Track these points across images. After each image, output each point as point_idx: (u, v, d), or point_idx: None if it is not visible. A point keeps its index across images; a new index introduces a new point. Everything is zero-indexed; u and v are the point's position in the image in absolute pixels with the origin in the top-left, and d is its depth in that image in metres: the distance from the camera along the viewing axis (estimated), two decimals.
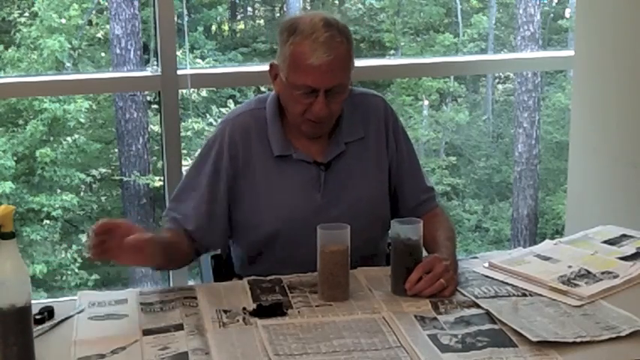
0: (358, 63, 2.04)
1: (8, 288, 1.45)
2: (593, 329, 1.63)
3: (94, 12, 8.02)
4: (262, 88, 7.58)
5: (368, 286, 1.87)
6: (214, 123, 8.08)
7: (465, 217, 8.79)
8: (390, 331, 1.64)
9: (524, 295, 1.81)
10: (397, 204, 2.13)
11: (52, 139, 7.54)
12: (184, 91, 3.23)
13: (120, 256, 1.75)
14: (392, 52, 8.98)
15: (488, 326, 1.66)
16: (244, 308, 1.74)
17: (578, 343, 1.58)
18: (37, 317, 1.67)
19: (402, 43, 9.09)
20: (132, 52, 7.30)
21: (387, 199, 2.11)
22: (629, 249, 2.07)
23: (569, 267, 1.93)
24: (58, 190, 7.53)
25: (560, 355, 1.54)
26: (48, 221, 7.41)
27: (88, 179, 7.98)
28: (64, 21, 7.43)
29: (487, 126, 9.80)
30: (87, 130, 7.93)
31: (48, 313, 1.72)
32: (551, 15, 9.74)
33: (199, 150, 2.10)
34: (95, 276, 7.40)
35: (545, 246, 2.11)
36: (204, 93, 8.07)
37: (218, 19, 9.05)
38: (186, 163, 7.52)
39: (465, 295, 1.81)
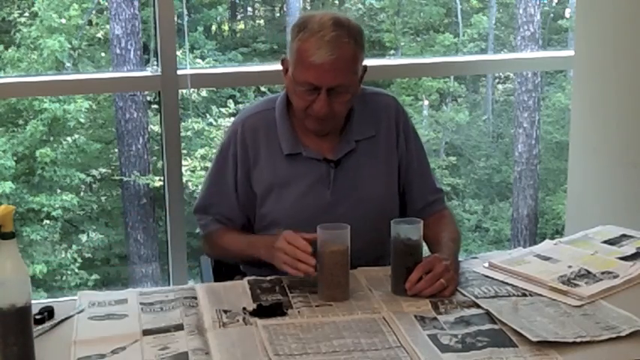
0: None
1: (8, 288, 1.45)
2: (593, 329, 1.63)
3: (94, 12, 8.01)
4: (262, 88, 7.61)
5: (368, 286, 1.87)
6: (214, 123, 8.07)
7: (465, 217, 8.78)
8: (390, 331, 1.64)
9: (524, 295, 1.81)
10: (405, 204, 2.15)
11: (52, 139, 7.53)
12: (184, 91, 3.23)
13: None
14: (392, 52, 8.97)
15: (488, 326, 1.66)
16: (244, 308, 1.74)
17: (578, 343, 1.58)
18: (37, 317, 1.68)
19: (402, 43, 9.09)
20: (132, 52, 7.29)
21: (396, 198, 2.12)
22: (629, 249, 2.08)
23: (569, 267, 1.93)
24: (58, 190, 7.52)
25: (560, 355, 1.54)
26: (48, 221, 7.40)
27: (88, 179, 7.97)
28: (64, 21, 7.42)
29: (487, 126, 9.80)
30: (87, 130, 7.92)
31: (48, 313, 1.72)
32: (551, 15, 9.73)
33: (215, 155, 2.14)
34: (95, 276, 7.39)
35: (545, 246, 2.11)
36: (204, 93, 8.06)
37: (218, 19, 9.04)
38: (186, 163, 7.53)
39: (465, 295, 1.81)
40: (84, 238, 7.63)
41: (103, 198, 8.15)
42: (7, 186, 6.86)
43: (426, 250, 2.02)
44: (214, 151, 8.21)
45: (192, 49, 7.94)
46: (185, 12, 7.49)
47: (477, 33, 9.24)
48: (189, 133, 7.64)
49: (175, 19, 3.16)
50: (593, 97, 3.10)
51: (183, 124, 7.08)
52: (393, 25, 8.99)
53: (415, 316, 1.71)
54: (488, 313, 1.71)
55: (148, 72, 3.11)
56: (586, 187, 3.17)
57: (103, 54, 8.02)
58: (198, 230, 2.21)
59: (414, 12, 9.24)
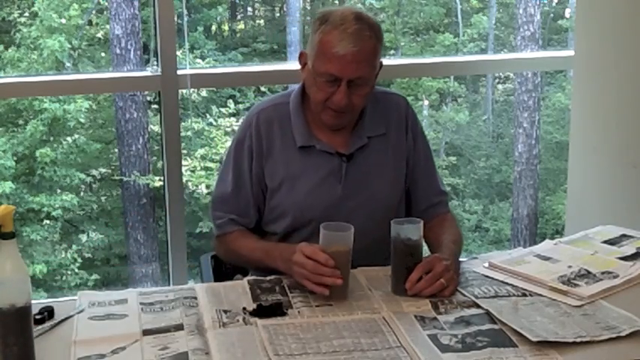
0: None
1: (8, 288, 1.45)
2: (593, 329, 1.63)
3: (94, 12, 8.01)
4: (262, 88, 7.61)
5: (368, 286, 1.87)
6: (214, 123, 8.07)
7: (465, 217, 8.78)
8: (390, 331, 1.64)
9: (524, 295, 1.81)
10: (409, 204, 2.16)
11: (52, 139, 7.53)
12: (184, 91, 3.22)
13: None
14: (392, 52, 8.97)
15: (488, 326, 1.66)
16: (244, 308, 1.74)
17: (578, 343, 1.58)
18: (37, 317, 1.67)
19: (402, 43, 9.09)
20: (132, 52, 7.30)
21: (402, 197, 2.15)
22: (629, 249, 2.08)
23: (569, 267, 1.93)
24: (58, 190, 7.52)
25: (560, 355, 1.54)
26: (48, 221, 7.40)
27: (88, 179, 7.97)
28: (64, 21, 7.43)
29: (487, 126, 9.80)
30: (87, 130, 7.92)
31: (48, 313, 1.72)
32: (551, 15, 9.73)
33: (231, 148, 2.14)
34: (95, 276, 7.40)
35: (545, 246, 2.11)
36: (204, 93, 8.07)
37: (218, 19, 9.04)
38: (186, 163, 7.52)
39: (465, 295, 1.81)
40: (84, 238, 7.63)
41: (103, 198, 8.16)
42: (7, 186, 6.87)
43: (426, 251, 2.02)
44: (214, 151, 8.14)
45: (192, 49, 7.95)
46: (185, 12, 7.49)
47: (476, 33, 9.24)
48: (189, 133, 7.64)
49: (175, 19, 3.16)
50: (593, 97, 3.10)
51: (183, 124, 7.08)
52: (393, 25, 8.99)
53: (415, 316, 1.71)
54: (488, 313, 1.71)
55: (148, 72, 3.10)
56: (586, 187, 3.17)
57: (103, 54, 8.02)
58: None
59: (414, 12, 9.25)
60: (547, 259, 2.00)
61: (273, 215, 2.09)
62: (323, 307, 1.75)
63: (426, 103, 9.30)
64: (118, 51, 7.31)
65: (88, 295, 1.84)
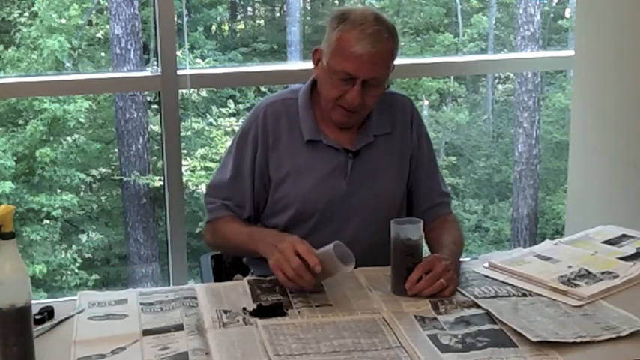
0: None
1: (8, 288, 1.45)
2: (593, 329, 1.63)
3: (94, 12, 8.01)
4: (262, 88, 7.60)
5: (368, 286, 1.87)
6: (214, 123, 8.07)
7: (465, 217, 8.78)
8: (390, 331, 1.64)
9: (524, 295, 1.81)
10: (411, 204, 2.17)
11: (52, 139, 7.53)
12: (184, 91, 3.22)
13: None
14: None
15: (488, 326, 1.66)
16: (244, 308, 1.74)
17: (578, 343, 1.58)
18: (37, 317, 1.67)
19: (402, 43, 9.08)
20: (132, 52, 7.29)
21: (404, 197, 2.16)
22: (629, 249, 2.08)
23: (569, 267, 1.93)
24: (58, 190, 7.52)
25: (560, 355, 1.54)
26: (48, 221, 7.40)
27: (88, 179, 7.97)
28: (64, 21, 7.42)
29: (487, 126, 9.79)
30: (87, 130, 7.92)
31: (48, 313, 1.72)
32: (551, 15, 9.73)
33: (235, 138, 2.15)
34: (95, 276, 7.39)
35: (545, 246, 2.11)
36: (204, 93, 8.07)
37: (218, 19, 9.04)
38: (186, 163, 7.51)
39: (465, 295, 1.81)
40: (84, 238, 7.63)
41: (103, 198, 8.15)
42: (7, 186, 6.87)
43: (427, 252, 2.02)
44: (214, 151, 8.13)
45: (192, 49, 7.94)
46: (185, 12, 7.49)
47: (477, 33, 9.24)
48: (189, 133, 7.64)
49: (175, 19, 3.16)
50: (593, 97, 3.10)
51: (183, 124, 7.06)
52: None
53: (415, 316, 1.71)
54: (488, 313, 1.71)
55: (148, 72, 3.10)
56: (586, 187, 3.17)
57: (103, 54, 8.02)
58: (201, 229, 2.21)
59: (414, 12, 9.25)
60: (547, 259, 2.00)
61: (276, 208, 2.09)
62: (323, 307, 1.75)
63: (426, 103, 9.29)
64: (118, 51, 7.31)
65: (88, 295, 1.84)
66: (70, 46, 7.42)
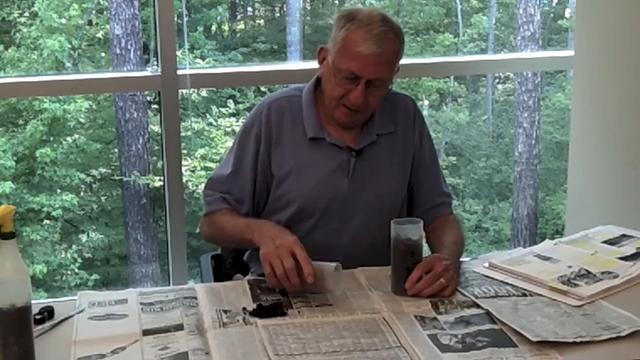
0: None
1: (8, 288, 1.45)
2: (593, 329, 1.63)
3: (94, 12, 8.01)
4: (262, 88, 7.60)
5: (368, 286, 1.87)
6: (214, 123, 8.07)
7: (465, 217, 8.78)
8: (390, 331, 1.64)
9: (524, 295, 1.81)
10: (413, 204, 2.17)
11: (52, 139, 7.53)
12: (184, 91, 3.22)
13: None
14: None
15: (488, 326, 1.66)
16: (244, 308, 1.74)
17: (578, 343, 1.58)
18: (37, 317, 1.67)
19: None
20: (132, 52, 7.29)
21: (405, 197, 2.16)
22: (629, 249, 2.08)
23: (569, 267, 1.93)
24: (58, 190, 7.52)
25: (560, 355, 1.54)
26: (48, 221, 7.40)
27: (88, 179, 7.97)
28: (64, 21, 7.42)
29: (487, 126, 9.79)
30: (87, 130, 7.92)
31: (48, 313, 1.72)
32: (551, 15, 9.73)
33: (238, 134, 2.15)
34: (95, 276, 7.39)
35: (545, 246, 2.11)
36: (204, 93, 8.07)
37: (218, 19, 9.04)
38: (186, 163, 7.51)
39: (465, 295, 1.81)
40: (84, 238, 7.63)
41: (103, 198, 8.15)
42: (7, 186, 6.86)
43: (427, 251, 2.02)
44: (214, 151, 8.12)
45: (192, 49, 7.94)
46: (185, 12, 7.49)
47: (476, 33, 9.24)
48: (189, 133, 7.64)
49: (175, 19, 3.16)
50: (593, 97, 3.10)
51: (183, 124, 7.07)
52: None
53: (415, 316, 1.71)
54: (488, 313, 1.71)
55: (148, 72, 3.10)
56: (586, 187, 3.17)
57: (103, 54, 8.02)
58: (198, 227, 2.19)
59: (414, 12, 9.24)
60: (547, 259, 2.00)
61: (278, 204, 2.09)
62: (323, 307, 1.75)
63: (426, 103, 9.29)
64: (118, 51, 7.31)
65: (88, 295, 1.84)
66: (70, 46, 7.42)
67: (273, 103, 2.11)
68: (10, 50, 7.36)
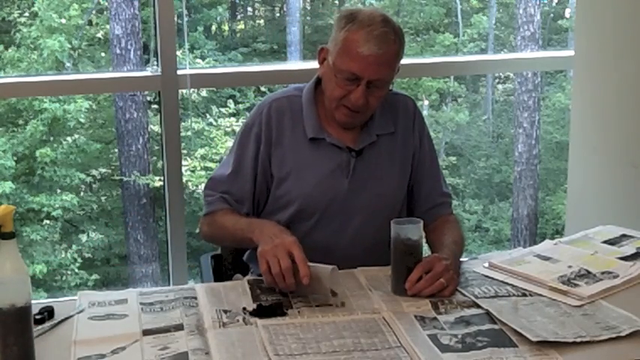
0: None
1: (8, 288, 1.45)
2: (593, 329, 1.63)
3: (94, 12, 8.01)
4: (262, 88, 7.60)
5: (368, 286, 1.87)
6: (214, 123, 8.07)
7: (465, 217, 8.78)
8: (390, 331, 1.64)
9: (524, 295, 1.81)
10: (412, 204, 2.17)
11: (52, 139, 7.53)
12: (184, 91, 3.22)
13: None
14: None
15: (488, 326, 1.66)
16: (244, 308, 1.74)
17: (578, 343, 1.58)
18: (37, 317, 1.67)
19: None
20: (132, 52, 7.29)
21: (405, 197, 2.16)
22: (629, 249, 2.08)
23: (569, 267, 1.93)
24: (58, 190, 7.52)
25: (560, 355, 1.54)
26: (48, 221, 7.40)
27: (88, 179, 7.97)
28: (64, 21, 7.42)
29: (487, 126, 9.79)
30: (87, 130, 7.92)
31: (48, 313, 1.72)
32: (551, 15, 9.73)
33: (239, 134, 2.15)
34: (95, 276, 7.39)
35: (545, 246, 2.11)
36: (204, 93, 8.06)
37: (218, 19, 9.03)
38: (186, 163, 7.51)
39: (465, 295, 1.81)
40: (84, 238, 7.62)
41: (103, 198, 8.15)
42: (7, 186, 6.86)
43: (427, 251, 2.02)
44: (214, 151, 8.11)
45: (192, 49, 7.94)
46: (185, 12, 7.49)
47: (476, 33, 9.23)
48: (189, 133, 7.64)
49: (175, 19, 3.16)
50: (593, 97, 3.10)
51: (183, 124, 7.06)
52: None
53: (415, 316, 1.71)
54: (488, 313, 1.71)
55: (148, 72, 3.10)
56: (586, 187, 3.17)
57: (103, 54, 8.02)
58: (198, 227, 2.19)
59: (414, 12, 9.24)
60: (547, 259, 2.00)
61: (277, 204, 2.09)
62: (323, 307, 1.75)
63: (426, 103, 9.29)
64: (118, 51, 7.31)
65: (88, 295, 1.84)
66: (70, 46, 7.42)
67: (274, 103, 2.11)
68: (10, 50, 7.36)
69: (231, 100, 8.16)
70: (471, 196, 9.21)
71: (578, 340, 1.58)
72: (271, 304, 1.74)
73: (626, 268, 1.93)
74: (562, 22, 9.54)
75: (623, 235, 2.18)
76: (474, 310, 1.73)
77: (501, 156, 9.54)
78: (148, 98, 7.69)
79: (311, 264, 1.77)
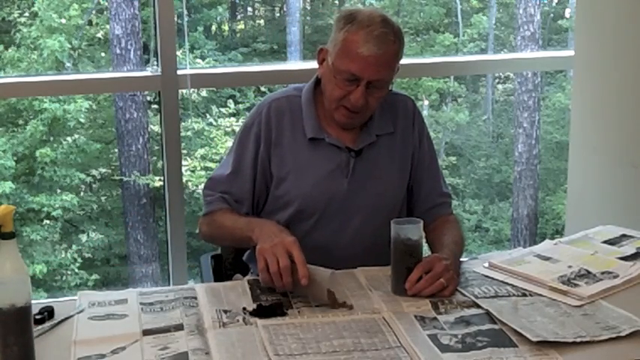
0: None
1: (8, 288, 1.45)
2: (593, 329, 1.63)
3: (94, 12, 8.01)
4: (262, 88, 7.60)
5: (368, 286, 1.87)
6: (214, 123, 8.07)
7: (465, 217, 8.78)
8: (390, 331, 1.64)
9: (524, 295, 1.81)
10: (412, 204, 2.17)
11: (52, 139, 7.53)
12: (184, 91, 3.23)
13: None
14: None
15: (488, 326, 1.66)
16: (244, 308, 1.74)
17: (578, 343, 1.58)
18: (37, 317, 1.67)
19: None
20: (132, 52, 7.29)
21: (405, 197, 2.16)
22: (629, 249, 2.08)
23: (569, 267, 1.93)
24: (58, 190, 7.52)
25: (560, 355, 1.54)
26: (48, 221, 7.40)
27: (88, 179, 7.97)
28: (64, 21, 7.42)
29: (487, 126, 9.80)
30: (87, 130, 7.92)
31: (48, 313, 1.72)
32: (551, 15, 9.73)
33: (238, 133, 2.15)
34: (95, 276, 7.39)
35: (545, 246, 2.11)
36: (204, 93, 8.07)
37: (218, 19, 9.04)
38: (186, 163, 7.51)
39: (465, 295, 1.81)
40: (84, 238, 7.63)
41: (103, 198, 8.15)
42: (7, 186, 6.87)
43: (427, 251, 2.02)
44: (214, 151, 8.11)
45: (192, 49, 7.94)
46: (185, 12, 7.49)
47: (477, 33, 9.24)
48: (189, 133, 7.65)
49: (175, 19, 3.16)
50: (593, 97, 3.10)
51: (183, 124, 7.07)
52: None
53: (415, 316, 1.71)
54: (488, 313, 1.71)
55: (148, 72, 3.11)
56: (586, 187, 3.17)
57: (103, 54, 8.02)
58: (198, 227, 2.18)
59: (414, 12, 9.24)
60: (547, 259, 2.00)
61: (277, 205, 2.09)
62: (323, 307, 1.75)
63: (426, 103, 9.29)
64: (118, 51, 7.31)
65: (88, 295, 1.84)
66: (70, 46, 7.42)
67: (273, 103, 2.11)
68: (10, 50, 7.37)
69: (231, 100, 8.17)
70: (471, 196, 9.21)
71: (578, 340, 1.58)
72: (271, 304, 1.74)
73: (626, 268, 1.93)
74: (562, 22, 9.54)
75: (623, 235, 2.18)
76: (474, 310, 1.73)
77: (501, 156, 9.54)
78: (148, 98, 7.69)
79: (310, 266, 1.77)
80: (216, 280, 2.17)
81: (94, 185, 8.24)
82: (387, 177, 2.10)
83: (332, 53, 1.99)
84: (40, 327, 1.66)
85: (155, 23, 2.96)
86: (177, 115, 3.04)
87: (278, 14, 9.86)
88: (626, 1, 2.92)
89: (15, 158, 7.25)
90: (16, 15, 7.65)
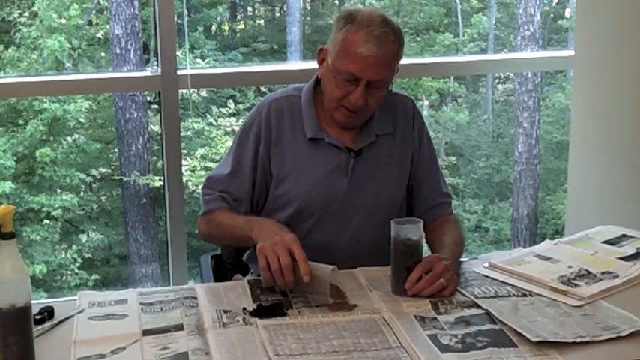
0: None
1: (8, 288, 1.45)
2: (593, 329, 1.63)
3: (94, 12, 8.01)
4: (262, 88, 7.61)
5: (368, 286, 1.87)
6: (214, 123, 8.07)
7: (465, 217, 8.78)
8: (390, 331, 1.64)
9: (524, 295, 1.81)
10: (412, 204, 2.17)
11: (52, 139, 7.53)
12: (184, 91, 3.23)
13: None
14: None
15: (488, 326, 1.66)
16: (244, 308, 1.74)
17: (578, 343, 1.58)
18: (37, 317, 1.67)
19: None
20: (132, 52, 7.29)
21: (405, 197, 2.16)
22: (629, 249, 2.08)
23: (569, 267, 1.93)
24: (58, 190, 7.52)
25: (560, 355, 1.54)
26: (48, 221, 7.40)
27: (88, 179, 7.97)
28: (64, 21, 7.42)
29: (487, 126, 9.80)
30: (87, 130, 7.92)
31: (48, 313, 1.72)
32: (551, 15, 9.73)
33: (238, 133, 2.15)
34: (95, 276, 7.39)
35: (545, 246, 2.11)
36: (204, 93, 8.07)
37: (218, 19, 9.04)
38: (186, 163, 7.51)
39: (465, 295, 1.81)
40: (84, 238, 7.63)
41: (103, 198, 8.15)
42: (7, 186, 6.87)
43: (427, 251, 2.02)
44: (214, 151, 8.12)
45: (192, 49, 7.94)
46: (185, 12, 7.49)
47: (477, 33, 9.24)
48: (189, 133, 7.65)
49: (175, 19, 3.16)
50: (593, 97, 3.10)
51: (183, 124, 7.08)
52: None
53: (415, 316, 1.71)
54: (488, 313, 1.71)
55: (148, 72, 3.11)
56: (586, 187, 3.17)
57: (103, 54, 8.02)
58: (198, 222, 2.17)
59: (414, 12, 9.25)
60: (547, 259, 2.00)
61: (276, 205, 2.09)
62: (323, 307, 1.75)
63: (426, 103, 9.29)
64: (118, 51, 7.31)
65: (88, 295, 1.84)
66: (70, 46, 7.42)
67: (273, 103, 2.11)
68: (10, 50, 7.37)
69: (231, 100, 8.17)
70: (470, 196, 9.21)
71: (578, 340, 1.58)
72: (271, 304, 1.74)
73: (626, 268, 1.93)
74: (562, 22, 9.54)
75: (623, 235, 2.18)
76: (474, 310, 1.73)
77: (501, 156, 9.54)
78: (148, 98, 7.69)
79: (311, 263, 1.77)
80: (216, 280, 2.17)
81: (94, 185, 8.24)
82: (386, 177, 2.10)
83: (332, 53, 1.99)
84: (40, 327, 1.66)
85: (155, 23, 2.96)
86: (177, 115, 3.04)
87: (278, 14, 9.86)
88: (626, 1, 2.92)
89: (15, 158, 7.25)
90: (16, 15, 7.65)
